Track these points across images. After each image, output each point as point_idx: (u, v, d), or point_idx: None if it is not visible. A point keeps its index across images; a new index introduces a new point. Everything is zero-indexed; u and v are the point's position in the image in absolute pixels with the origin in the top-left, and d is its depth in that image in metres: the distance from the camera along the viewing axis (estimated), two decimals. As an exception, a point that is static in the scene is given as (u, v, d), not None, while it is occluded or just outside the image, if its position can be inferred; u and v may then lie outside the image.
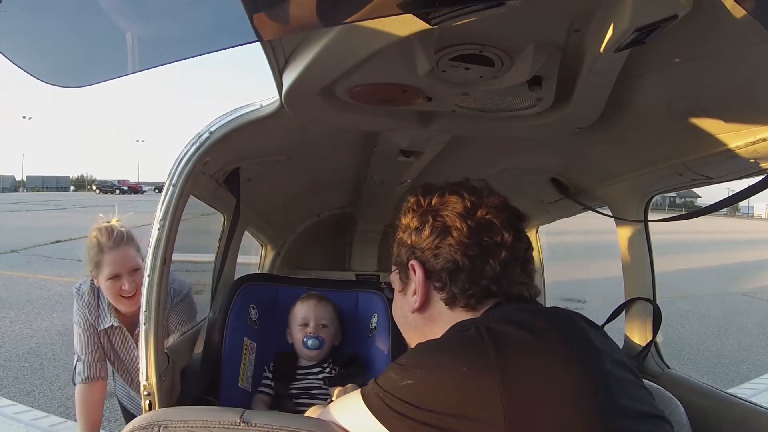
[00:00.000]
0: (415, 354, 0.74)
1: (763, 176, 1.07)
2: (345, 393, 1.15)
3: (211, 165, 1.24)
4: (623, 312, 1.59)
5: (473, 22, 0.65)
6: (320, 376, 1.48)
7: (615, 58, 0.81)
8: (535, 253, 1.24)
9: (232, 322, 1.51)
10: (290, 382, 1.47)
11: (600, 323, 0.93)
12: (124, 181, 62.83)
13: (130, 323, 1.65)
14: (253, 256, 2.56)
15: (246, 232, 2.02)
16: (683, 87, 0.95)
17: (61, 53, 0.70)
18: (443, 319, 0.81)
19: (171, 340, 1.43)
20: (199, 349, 1.45)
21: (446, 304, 0.82)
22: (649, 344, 1.51)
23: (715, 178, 1.24)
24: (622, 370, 0.73)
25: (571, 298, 7.13)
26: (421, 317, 0.85)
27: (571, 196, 1.69)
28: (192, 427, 0.84)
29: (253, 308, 1.58)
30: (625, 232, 1.57)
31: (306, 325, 1.50)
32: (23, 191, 58.13)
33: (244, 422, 0.83)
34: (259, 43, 0.79)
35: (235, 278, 1.69)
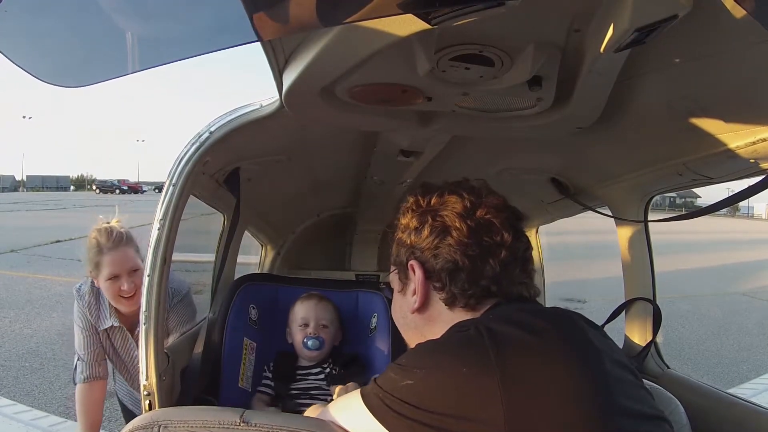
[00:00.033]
0: (414, 354, 0.74)
1: (763, 176, 1.06)
2: (346, 392, 1.15)
3: (211, 165, 1.24)
4: (623, 312, 1.59)
5: (473, 22, 0.65)
6: (320, 376, 1.48)
7: (615, 58, 0.81)
8: (535, 253, 1.24)
9: (232, 322, 1.51)
10: (290, 382, 1.47)
11: (600, 323, 0.93)
12: (124, 180, 62.84)
13: (130, 323, 1.66)
14: (253, 256, 2.56)
15: (246, 232, 2.02)
16: (683, 87, 0.95)
17: (61, 53, 0.70)
18: (443, 319, 0.81)
19: (171, 339, 1.43)
20: (199, 348, 1.45)
21: (446, 305, 0.81)
22: (649, 344, 1.51)
23: (715, 178, 1.24)
24: (622, 371, 0.73)
25: (571, 298, 7.14)
26: (421, 317, 0.85)
27: (571, 196, 1.69)
28: (192, 427, 0.84)
29: (253, 308, 1.58)
30: (625, 232, 1.57)
31: (306, 325, 1.49)
32: (23, 191, 58.15)
33: (244, 422, 0.83)
34: (259, 43, 0.79)
35: (235, 278, 1.69)
